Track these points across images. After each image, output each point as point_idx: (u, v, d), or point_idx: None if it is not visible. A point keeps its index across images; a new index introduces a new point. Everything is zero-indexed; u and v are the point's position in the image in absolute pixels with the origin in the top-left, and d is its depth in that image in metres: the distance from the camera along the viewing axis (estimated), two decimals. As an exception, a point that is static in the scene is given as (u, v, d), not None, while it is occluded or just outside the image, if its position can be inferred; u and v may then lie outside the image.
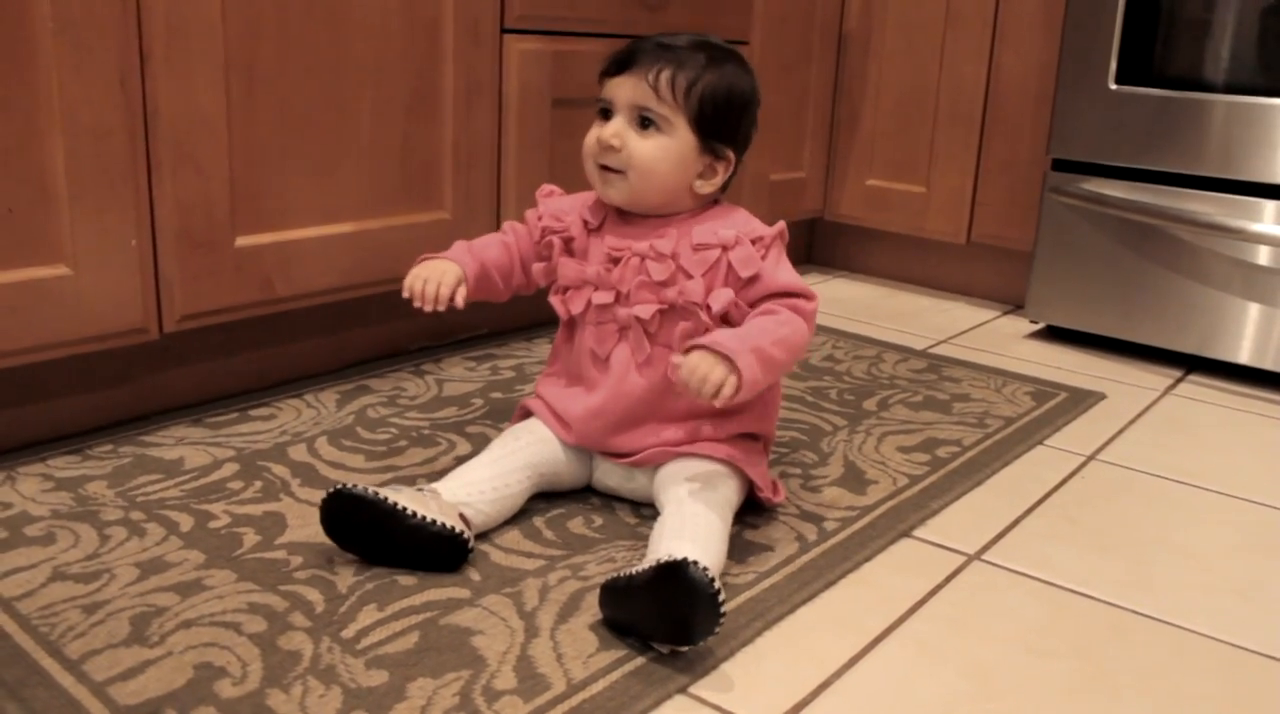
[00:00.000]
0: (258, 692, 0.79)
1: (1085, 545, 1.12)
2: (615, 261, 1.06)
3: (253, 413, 1.32)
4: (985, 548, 1.10)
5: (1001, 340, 1.88)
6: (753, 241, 1.04)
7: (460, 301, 1.08)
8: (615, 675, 0.83)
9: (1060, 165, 1.83)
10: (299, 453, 1.21)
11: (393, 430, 1.29)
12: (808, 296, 1.04)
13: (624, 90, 1.03)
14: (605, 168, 1.05)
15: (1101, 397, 1.59)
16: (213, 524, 1.04)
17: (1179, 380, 1.70)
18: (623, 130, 1.03)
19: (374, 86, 1.37)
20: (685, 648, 0.86)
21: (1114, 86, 1.74)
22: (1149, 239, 1.75)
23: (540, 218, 1.12)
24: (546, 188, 1.16)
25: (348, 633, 0.87)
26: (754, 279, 1.03)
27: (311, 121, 1.31)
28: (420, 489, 1.00)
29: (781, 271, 1.04)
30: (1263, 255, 1.65)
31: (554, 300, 1.12)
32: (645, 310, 1.04)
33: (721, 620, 0.82)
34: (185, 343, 1.32)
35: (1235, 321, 1.69)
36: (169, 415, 1.30)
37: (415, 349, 1.60)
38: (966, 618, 0.97)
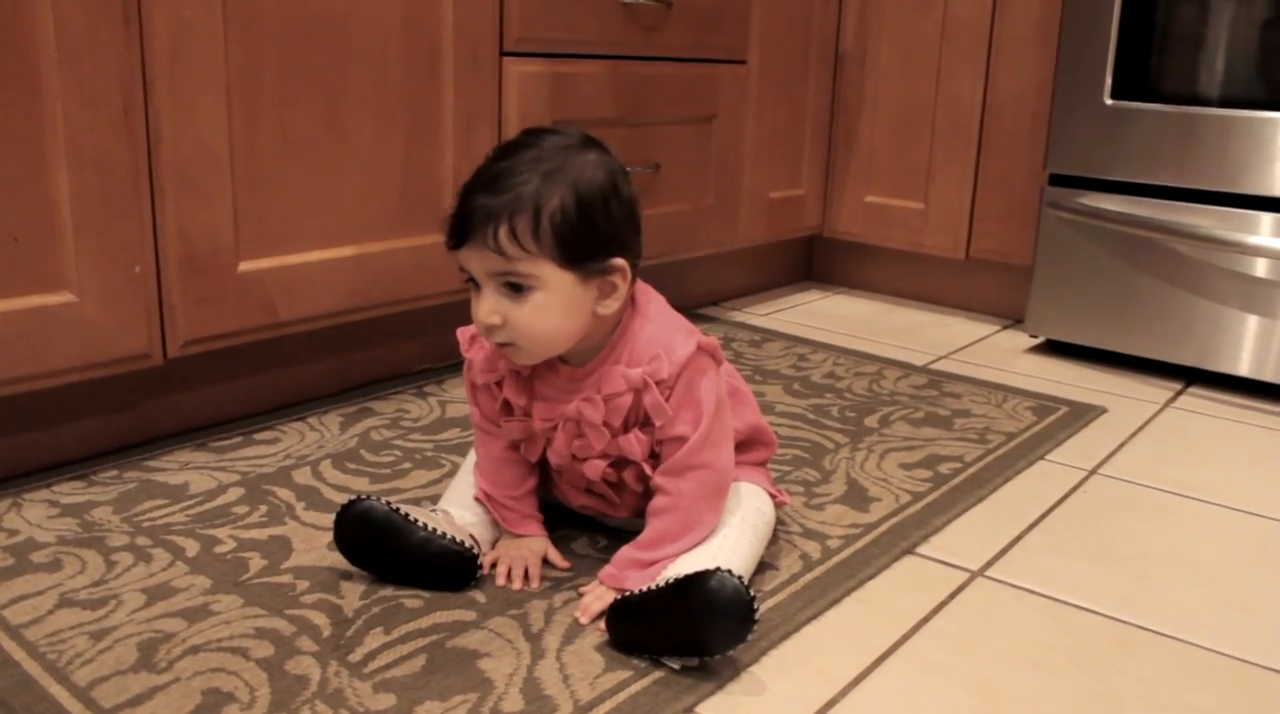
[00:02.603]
0: (266, 717, 0.79)
1: (1088, 560, 1.12)
2: (553, 428, 1.00)
3: (257, 437, 1.33)
4: (989, 564, 1.10)
5: (1001, 355, 1.89)
6: (659, 382, 0.94)
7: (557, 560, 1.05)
8: (621, 696, 0.83)
9: (1057, 180, 1.84)
10: (303, 476, 1.22)
11: (396, 452, 1.30)
12: (688, 438, 0.95)
13: (475, 263, 0.91)
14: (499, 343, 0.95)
15: (1102, 410, 1.59)
16: (218, 549, 1.04)
17: (1179, 393, 1.71)
18: (495, 305, 0.91)
19: (374, 111, 1.37)
20: (705, 658, 0.88)
21: (1110, 101, 1.75)
22: (1147, 252, 1.75)
23: (475, 384, 1.05)
24: (466, 333, 1.03)
25: (355, 656, 0.87)
26: (662, 425, 0.96)
27: (313, 146, 1.31)
28: (433, 510, 1.01)
29: (680, 419, 0.95)
30: (1260, 267, 1.65)
31: (521, 449, 1.07)
32: (594, 469, 1.00)
33: (751, 630, 0.84)
34: (189, 368, 1.32)
35: (1234, 334, 1.69)
36: (173, 440, 1.30)
37: (418, 371, 1.60)
38: (971, 634, 0.97)
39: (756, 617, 0.84)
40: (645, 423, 0.97)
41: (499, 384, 1.02)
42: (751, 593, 0.84)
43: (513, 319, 0.91)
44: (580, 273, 0.91)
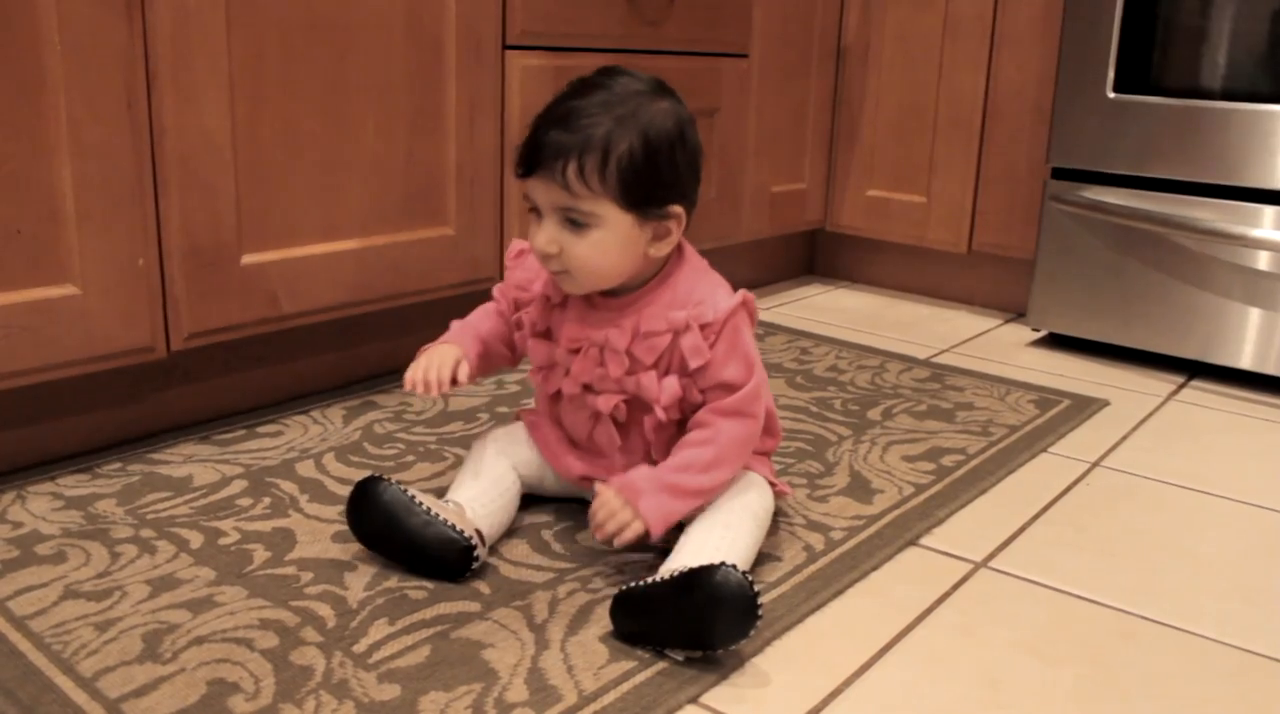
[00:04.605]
0: (270, 707, 0.79)
1: (1091, 551, 1.12)
2: (575, 351, 1.02)
3: (260, 430, 1.33)
4: (992, 555, 1.10)
5: (1004, 348, 1.89)
6: (703, 326, 0.97)
7: (464, 378, 1.04)
8: (626, 686, 0.83)
9: (1060, 173, 1.84)
10: (307, 469, 1.22)
11: (400, 445, 1.30)
12: (739, 386, 0.98)
13: (540, 194, 0.96)
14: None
15: (1105, 403, 1.59)
16: (222, 541, 1.04)
17: (1182, 386, 1.71)
18: (555, 235, 0.96)
19: (378, 104, 1.38)
20: (709, 652, 0.87)
21: (1112, 95, 1.75)
22: (1149, 246, 1.75)
23: (509, 290, 1.10)
24: (516, 246, 1.10)
25: (359, 647, 0.87)
26: (702, 368, 0.98)
27: (316, 140, 1.31)
28: (446, 501, 1.02)
29: (730, 365, 0.98)
30: (1263, 260, 1.65)
31: (532, 377, 1.10)
32: (607, 402, 1.02)
33: (755, 624, 0.84)
34: (192, 361, 1.32)
35: (1237, 327, 1.69)
36: (177, 433, 1.30)
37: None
38: (974, 625, 0.97)
39: (760, 611, 0.85)
40: (682, 371, 0.99)
41: (526, 302, 1.07)
42: (755, 588, 0.84)
43: (569, 251, 0.96)
44: (639, 215, 0.96)
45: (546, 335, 1.06)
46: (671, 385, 0.99)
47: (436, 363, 1.03)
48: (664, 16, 1.74)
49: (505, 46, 1.51)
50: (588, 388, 1.03)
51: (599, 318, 1.01)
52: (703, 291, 1.00)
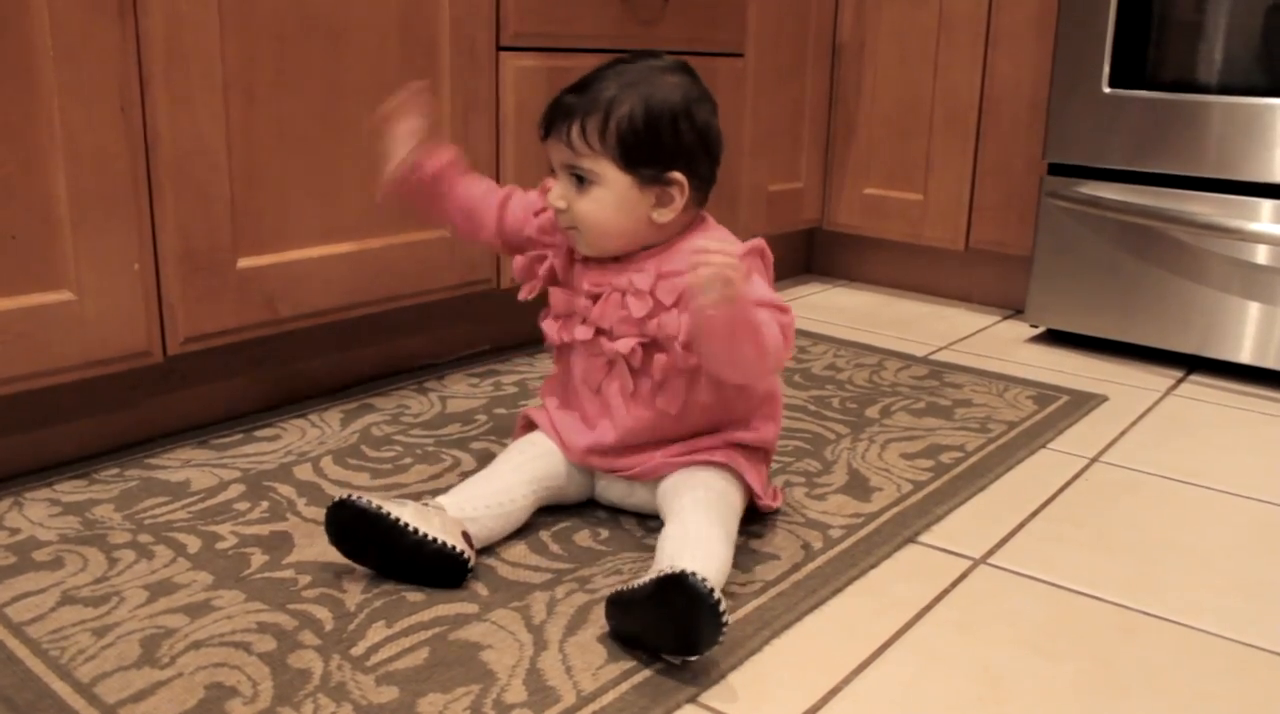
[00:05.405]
0: (269, 710, 0.79)
1: (1091, 547, 1.12)
2: (595, 297, 1.06)
3: (257, 433, 1.33)
4: (991, 552, 1.10)
5: (1002, 345, 1.89)
6: None
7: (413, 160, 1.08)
8: (624, 687, 0.83)
9: (1056, 169, 1.84)
10: (304, 472, 1.22)
11: (397, 448, 1.30)
12: (782, 309, 1.00)
13: (554, 153, 1.04)
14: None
15: (1103, 399, 1.59)
16: (220, 545, 1.04)
17: (1180, 381, 1.71)
18: (565, 192, 1.03)
19: (372, 106, 1.35)
20: (693, 658, 0.87)
21: (1108, 90, 1.75)
22: (1147, 241, 1.75)
23: (538, 214, 1.12)
24: (550, 182, 1.10)
25: (357, 650, 0.87)
26: None
27: (311, 142, 1.31)
28: (425, 504, 1.01)
29: (754, 288, 0.98)
30: (1261, 254, 1.65)
31: (545, 326, 1.12)
32: (625, 345, 1.04)
33: (724, 630, 0.82)
34: (189, 365, 1.32)
35: (1235, 321, 1.69)
36: (174, 438, 1.30)
37: (418, 367, 1.60)
38: (974, 622, 0.97)
39: (724, 622, 0.82)
40: None
41: (546, 246, 1.10)
42: (717, 595, 0.81)
43: (574, 206, 1.03)
44: (638, 178, 1.01)
45: (566, 284, 1.09)
46: (686, 321, 1.01)
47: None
48: (658, 16, 1.74)
49: (499, 48, 1.51)
50: (601, 332, 1.06)
51: (619, 267, 1.06)
52: (717, 240, 1.02)
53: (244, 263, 1.26)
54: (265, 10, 1.24)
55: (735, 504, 1.04)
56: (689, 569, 0.82)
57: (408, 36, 1.40)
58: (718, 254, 0.89)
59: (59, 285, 1.12)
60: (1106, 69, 1.75)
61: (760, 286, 1.01)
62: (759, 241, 1.04)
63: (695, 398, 1.06)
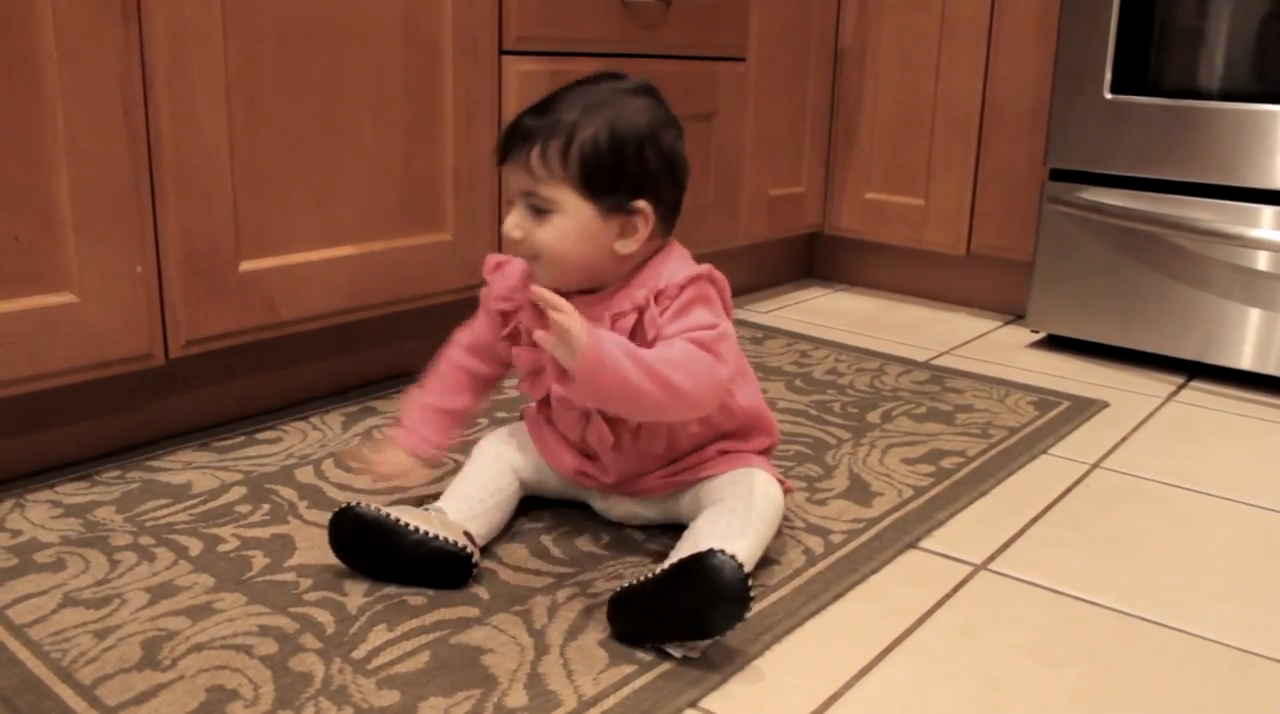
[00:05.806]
0: (270, 713, 0.79)
1: (1091, 553, 1.12)
2: None
3: (259, 436, 1.33)
4: (992, 557, 1.10)
5: (1003, 350, 1.89)
6: (658, 295, 0.96)
7: (425, 475, 1.10)
8: (625, 691, 0.83)
9: (1058, 175, 1.84)
10: (306, 475, 1.22)
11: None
12: (714, 337, 0.94)
13: (511, 179, 0.98)
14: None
15: (1104, 405, 1.59)
16: (221, 548, 1.04)
17: (1181, 387, 1.71)
18: (520, 220, 0.96)
19: (374, 110, 1.38)
20: (703, 642, 0.87)
21: (1109, 96, 1.75)
22: (1148, 246, 1.75)
23: (487, 308, 1.09)
24: (493, 260, 1.09)
25: (359, 653, 0.87)
26: (656, 338, 0.96)
27: (313, 146, 1.32)
28: (426, 509, 1.01)
29: (690, 315, 0.95)
30: (1262, 260, 1.65)
31: (523, 388, 1.09)
32: None
33: (748, 610, 0.83)
34: (191, 368, 1.32)
35: (1236, 327, 1.69)
36: (176, 440, 1.30)
37: (420, 370, 1.60)
38: (974, 628, 0.97)
39: (752, 597, 0.83)
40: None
41: (512, 313, 1.05)
42: (745, 571, 0.83)
43: (532, 237, 0.96)
44: (601, 207, 0.95)
45: (530, 342, 1.04)
46: None
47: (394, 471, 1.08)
48: (660, 20, 1.74)
49: (502, 52, 1.51)
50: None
51: (583, 314, 0.98)
52: (669, 272, 0.98)
53: (246, 266, 1.26)
54: (268, 14, 1.24)
55: (771, 492, 1.01)
56: (715, 546, 0.83)
57: (410, 40, 1.40)
58: (558, 312, 0.86)
59: (61, 287, 1.12)
60: (1108, 75, 1.75)
61: (699, 315, 0.95)
62: (706, 267, 0.98)
63: (678, 432, 1.03)
